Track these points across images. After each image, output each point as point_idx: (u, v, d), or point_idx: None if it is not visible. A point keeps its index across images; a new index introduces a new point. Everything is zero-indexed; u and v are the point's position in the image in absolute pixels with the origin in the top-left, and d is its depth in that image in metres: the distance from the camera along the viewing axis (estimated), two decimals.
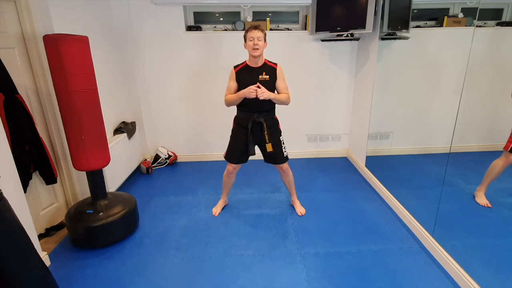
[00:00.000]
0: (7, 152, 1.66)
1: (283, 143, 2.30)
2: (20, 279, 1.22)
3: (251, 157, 2.30)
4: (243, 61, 2.21)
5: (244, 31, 2.12)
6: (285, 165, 2.34)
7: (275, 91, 2.22)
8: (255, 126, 2.21)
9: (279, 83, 2.19)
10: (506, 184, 2.16)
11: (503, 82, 2.19)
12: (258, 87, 2.07)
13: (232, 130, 2.34)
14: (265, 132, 2.21)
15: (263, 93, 2.06)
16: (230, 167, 2.37)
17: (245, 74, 2.16)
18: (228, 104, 2.22)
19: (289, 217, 2.46)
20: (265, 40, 2.09)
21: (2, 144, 1.62)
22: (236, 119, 2.31)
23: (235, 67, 2.20)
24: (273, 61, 2.20)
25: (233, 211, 2.56)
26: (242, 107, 2.24)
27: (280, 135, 2.30)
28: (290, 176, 2.43)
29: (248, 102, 2.16)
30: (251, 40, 2.05)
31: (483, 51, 2.07)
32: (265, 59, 2.17)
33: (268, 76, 2.14)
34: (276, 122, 2.30)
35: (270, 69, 2.16)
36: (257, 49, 2.05)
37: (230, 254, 2.04)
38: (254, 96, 2.06)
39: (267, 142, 2.23)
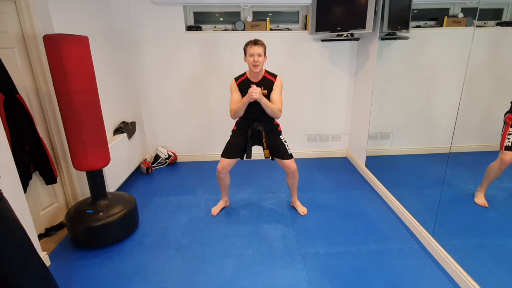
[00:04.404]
0: (7, 152, 1.66)
1: (285, 141, 2.32)
2: (20, 279, 1.22)
3: (251, 157, 2.31)
4: (243, 73, 2.22)
5: (244, 45, 2.11)
6: (294, 166, 2.34)
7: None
8: (254, 133, 2.26)
9: (273, 95, 2.18)
10: (506, 184, 2.16)
11: (503, 82, 2.19)
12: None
13: (232, 131, 2.37)
14: (263, 140, 2.26)
15: (255, 92, 2.05)
16: (219, 166, 2.35)
17: (245, 88, 2.17)
18: (235, 114, 2.20)
19: (289, 217, 2.46)
20: (265, 54, 2.10)
21: (2, 144, 1.62)
22: (237, 123, 2.35)
23: (236, 79, 2.22)
24: (274, 73, 2.21)
25: (233, 211, 2.56)
26: (243, 116, 2.25)
27: (280, 135, 2.32)
28: (297, 179, 2.42)
29: (249, 110, 2.18)
30: (251, 56, 2.05)
31: (483, 51, 2.07)
32: (265, 71, 2.18)
33: (266, 91, 2.17)
34: (275, 126, 2.33)
35: (268, 83, 2.18)
36: (257, 65, 2.07)
37: (230, 254, 2.04)
38: (256, 97, 2.06)
39: (265, 148, 2.29)
